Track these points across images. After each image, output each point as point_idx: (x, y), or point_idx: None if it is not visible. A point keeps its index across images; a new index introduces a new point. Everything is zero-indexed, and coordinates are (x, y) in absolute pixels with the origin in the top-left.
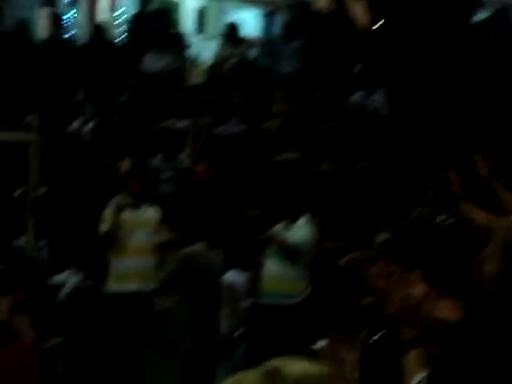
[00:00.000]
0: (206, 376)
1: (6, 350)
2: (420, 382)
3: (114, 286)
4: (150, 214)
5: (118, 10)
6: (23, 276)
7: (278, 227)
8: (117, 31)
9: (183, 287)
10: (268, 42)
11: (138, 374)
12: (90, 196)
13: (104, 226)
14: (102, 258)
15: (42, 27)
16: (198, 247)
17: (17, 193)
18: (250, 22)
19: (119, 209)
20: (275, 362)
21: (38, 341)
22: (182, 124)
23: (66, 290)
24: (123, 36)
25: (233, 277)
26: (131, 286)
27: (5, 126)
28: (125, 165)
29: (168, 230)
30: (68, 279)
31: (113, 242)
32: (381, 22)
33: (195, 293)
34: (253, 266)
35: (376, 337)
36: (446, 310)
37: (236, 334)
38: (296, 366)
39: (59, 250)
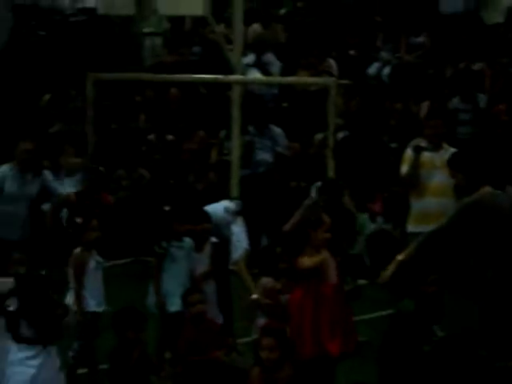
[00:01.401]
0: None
1: (316, 288)
2: None
3: (413, 227)
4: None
5: None
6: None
7: None
8: None
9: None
10: None
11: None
12: (388, 139)
13: (404, 168)
14: (403, 200)
15: None
16: (488, 191)
17: (317, 137)
18: None
19: (419, 150)
20: None
21: (341, 282)
22: (479, 65)
23: (367, 232)
24: None
25: None
26: (431, 227)
27: (305, 72)
28: (424, 107)
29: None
30: (368, 222)
31: (413, 183)
32: None
33: (489, 236)
34: None
35: None
36: None
37: None
38: None
39: (359, 193)
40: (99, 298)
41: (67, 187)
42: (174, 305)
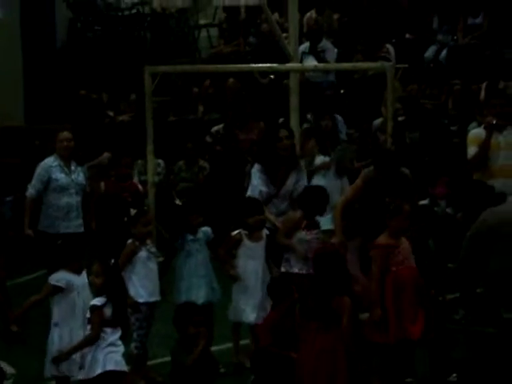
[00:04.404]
0: None
1: (395, 273)
2: None
3: None
4: None
5: None
6: None
7: None
8: None
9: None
10: None
11: None
12: (447, 122)
13: (472, 150)
14: (467, 182)
15: None
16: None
17: (376, 122)
18: None
19: (492, 128)
20: None
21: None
22: None
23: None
24: None
25: None
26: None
27: (363, 55)
28: (483, 88)
29: None
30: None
31: (482, 164)
32: None
33: None
34: None
35: None
36: None
37: None
38: None
39: (421, 177)
40: (151, 288)
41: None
42: (201, 297)
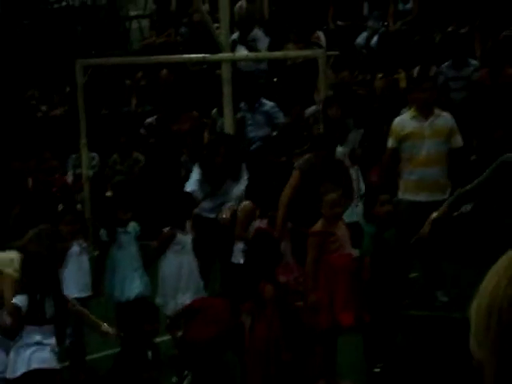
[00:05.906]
0: None
1: (328, 259)
2: None
3: (404, 196)
4: (440, 123)
5: None
6: None
7: None
8: None
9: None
10: None
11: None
12: (376, 110)
13: (389, 141)
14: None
15: None
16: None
17: (308, 111)
18: None
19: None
20: None
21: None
22: (466, 29)
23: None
24: None
25: None
26: (422, 196)
27: (294, 43)
28: (415, 73)
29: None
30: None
31: (399, 155)
32: None
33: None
34: None
35: None
36: None
37: None
38: None
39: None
40: (82, 283)
41: None
42: (135, 289)
